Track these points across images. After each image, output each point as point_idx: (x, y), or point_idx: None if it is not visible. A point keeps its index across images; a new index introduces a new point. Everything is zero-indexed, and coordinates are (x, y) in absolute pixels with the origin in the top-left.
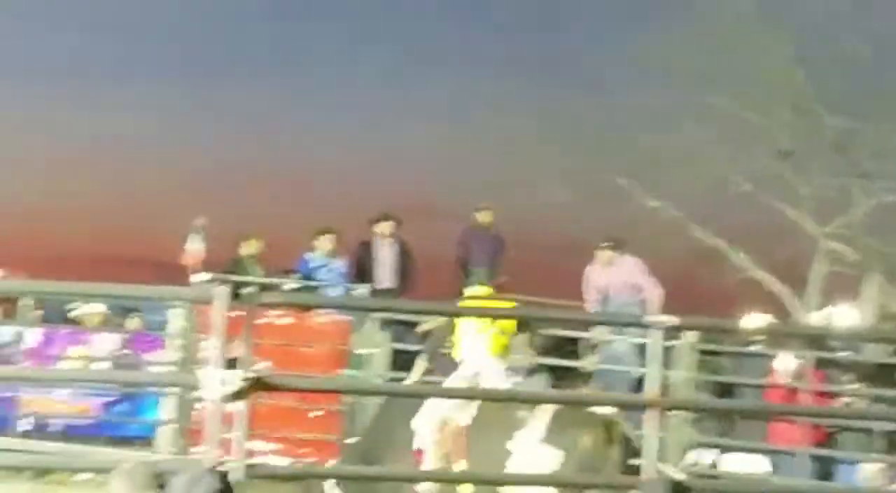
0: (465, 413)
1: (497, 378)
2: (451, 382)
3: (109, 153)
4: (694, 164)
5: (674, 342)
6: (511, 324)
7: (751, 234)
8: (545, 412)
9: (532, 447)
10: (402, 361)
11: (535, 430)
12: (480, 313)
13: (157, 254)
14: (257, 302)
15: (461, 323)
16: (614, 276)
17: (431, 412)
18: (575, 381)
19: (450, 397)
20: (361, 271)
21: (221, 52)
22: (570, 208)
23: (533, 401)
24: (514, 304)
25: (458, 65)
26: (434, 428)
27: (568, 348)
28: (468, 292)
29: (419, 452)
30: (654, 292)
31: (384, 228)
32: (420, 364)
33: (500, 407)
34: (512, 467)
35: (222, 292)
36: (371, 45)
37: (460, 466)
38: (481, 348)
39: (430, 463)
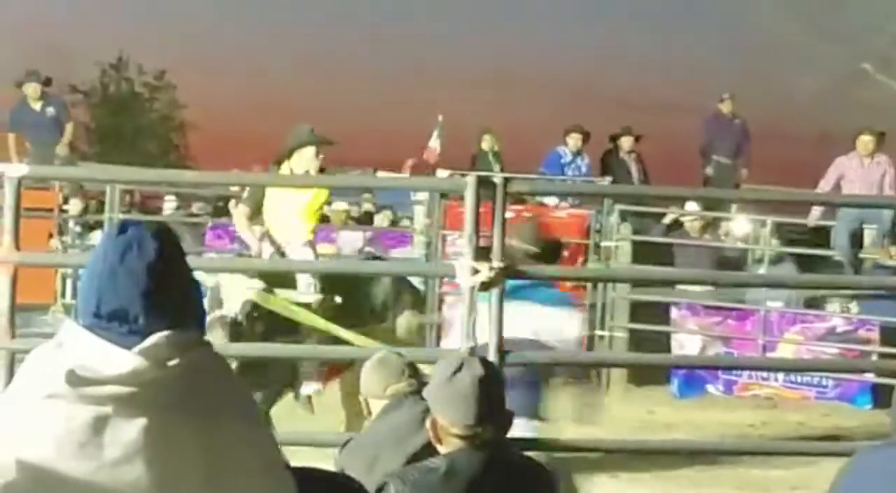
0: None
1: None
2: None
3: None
4: None
5: None
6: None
7: None
8: None
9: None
10: (645, 252)
11: None
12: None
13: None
14: (507, 191)
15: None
16: (868, 173)
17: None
18: (822, 270)
19: None
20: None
21: None
22: (817, 97)
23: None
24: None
25: None
26: None
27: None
28: None
29: None
30: None
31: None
32: None
33: None
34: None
35: (472, 180)
36: None
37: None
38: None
39: None
